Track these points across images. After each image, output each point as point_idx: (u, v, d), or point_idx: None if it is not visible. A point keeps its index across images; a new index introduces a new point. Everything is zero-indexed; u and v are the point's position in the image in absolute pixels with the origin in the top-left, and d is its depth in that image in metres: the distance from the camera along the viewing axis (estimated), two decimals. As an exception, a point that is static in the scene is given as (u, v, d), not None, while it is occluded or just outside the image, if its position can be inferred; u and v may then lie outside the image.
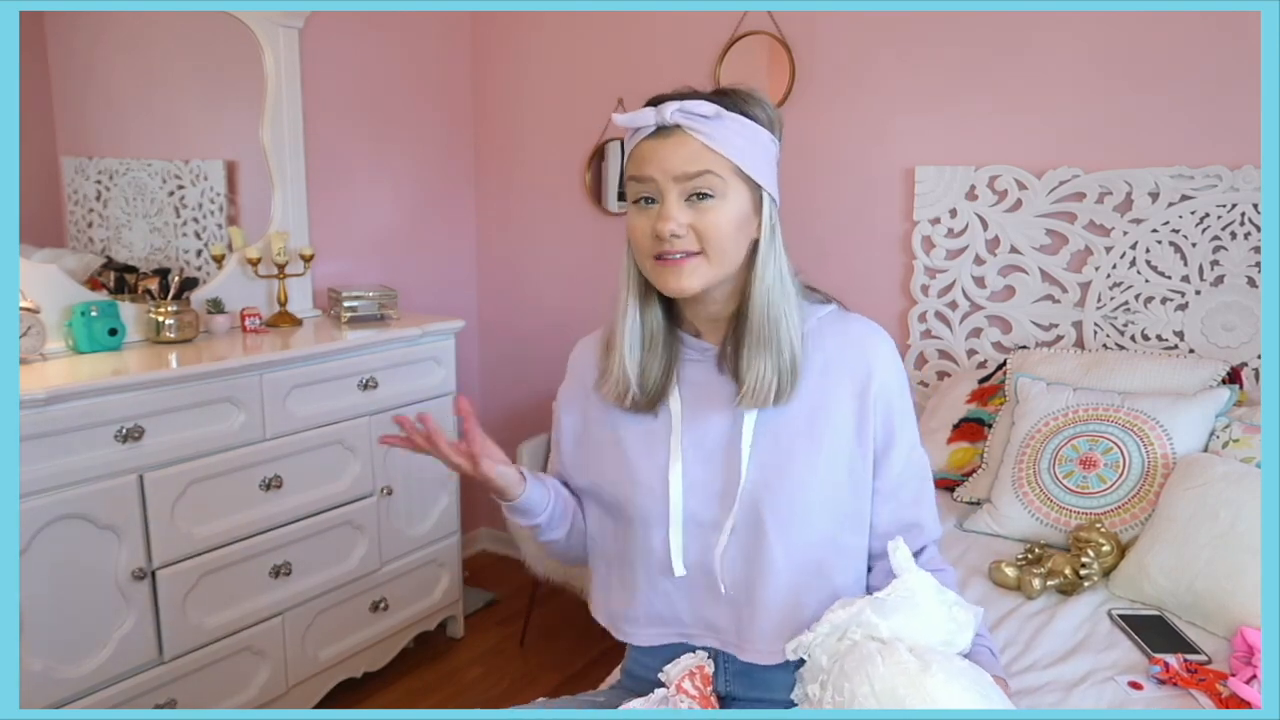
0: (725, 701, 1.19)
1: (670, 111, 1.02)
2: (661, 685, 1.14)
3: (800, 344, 1.10)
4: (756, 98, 1.08)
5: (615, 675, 1.34)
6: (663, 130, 1.04)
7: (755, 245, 1.09)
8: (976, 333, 2.37)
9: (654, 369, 1.14)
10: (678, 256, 1.04)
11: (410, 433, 1.08)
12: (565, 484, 1.25)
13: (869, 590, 1.15)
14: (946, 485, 2.08)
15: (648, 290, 1.13)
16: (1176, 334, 2.12)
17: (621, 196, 2.88)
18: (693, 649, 1.16)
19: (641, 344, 1.14)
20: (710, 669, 1.14)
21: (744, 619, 1.13)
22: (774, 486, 1.09)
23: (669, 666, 1.15)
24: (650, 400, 1.15)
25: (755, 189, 1.07)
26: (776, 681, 1.13)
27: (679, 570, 1.12)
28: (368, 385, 2.28)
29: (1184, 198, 2.08)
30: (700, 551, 1.13)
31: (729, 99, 1.06)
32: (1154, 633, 1.48)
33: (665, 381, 1.15)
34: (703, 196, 1.04)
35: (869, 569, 1.17)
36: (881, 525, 1.14)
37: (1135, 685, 1.34)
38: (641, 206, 1.07)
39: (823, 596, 1.11)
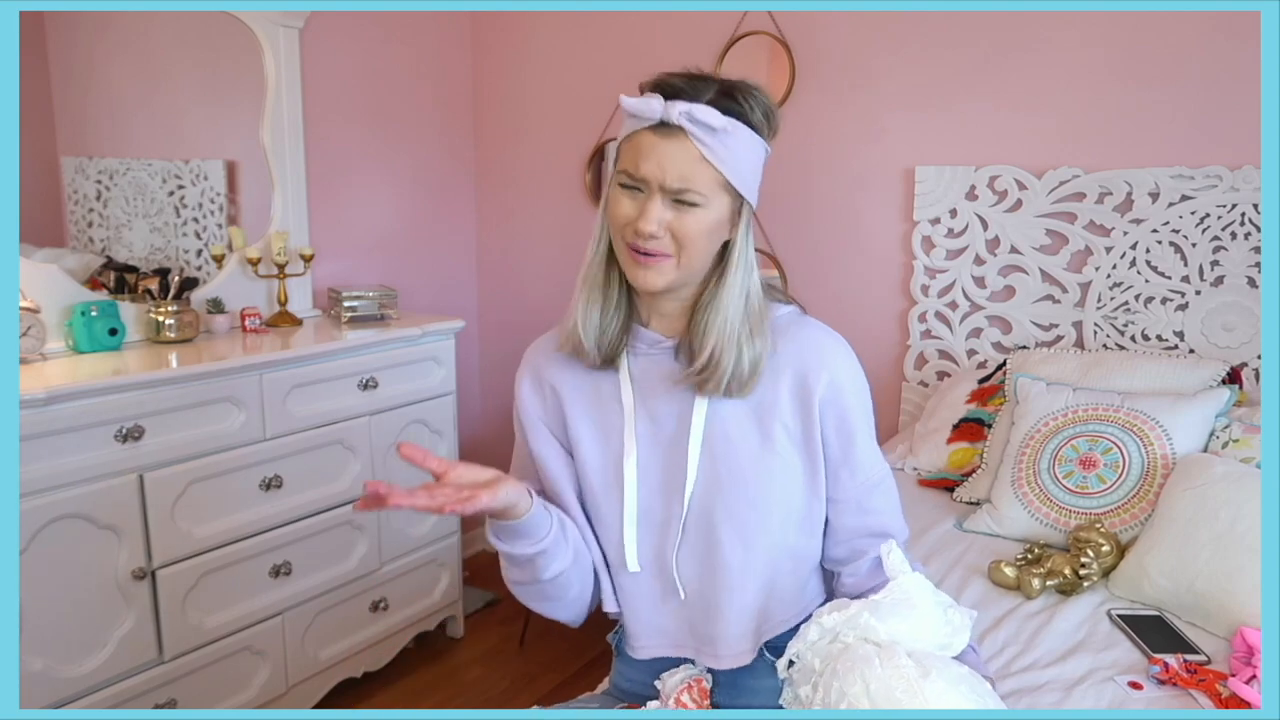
0: None
1: (678, 112, 1.00)
2: (652, 698, 1.13)
3: (766, 339, 1.10)
4: (759, 98, 1.06)
5: (606, 683, 1.34)
6: (665, 127, 1.02)
7: (726, 244, 1.09)
8: (976, 333, 2.37)
9: (611, 328, 1.13)
10: (651, 254, 1.05)
11: (376, 493, 0.98)
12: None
13: (834, 596, 1.15)
14: (946, 485, 2.08)
15: (613, 266, 1.13)
16: (1176, 334, 2.12)
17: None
18: (675, 661, 1.16)
19: (603, 294, 1.13)
20: (708, 683, 1.14)
21: (701, 622, 1.13)
22: (724, 481, 1.09)
23: (666, 675, 1.14)
24: (606, 356, 1.14)
25: (737, 197, 1.07)
26: (763, 688, 1.13)
27: (633, 566, 1.13)
28: (368, 385, 2.28)
29: (1184, 198, 2.08)
30: (655, 551, 1.13)
31: (735, 103, 1.03)
32: (1154, 633, 1.48)
33: (618, 344, 1.14)
34: (687, 203, 1.03)
35: (835, 575, 1.17)
36: (846, 534, 1.13)
37: (1135, 685, 1.34)
38: (628, 191, 1.06)
39: (782, 599, 1.12)
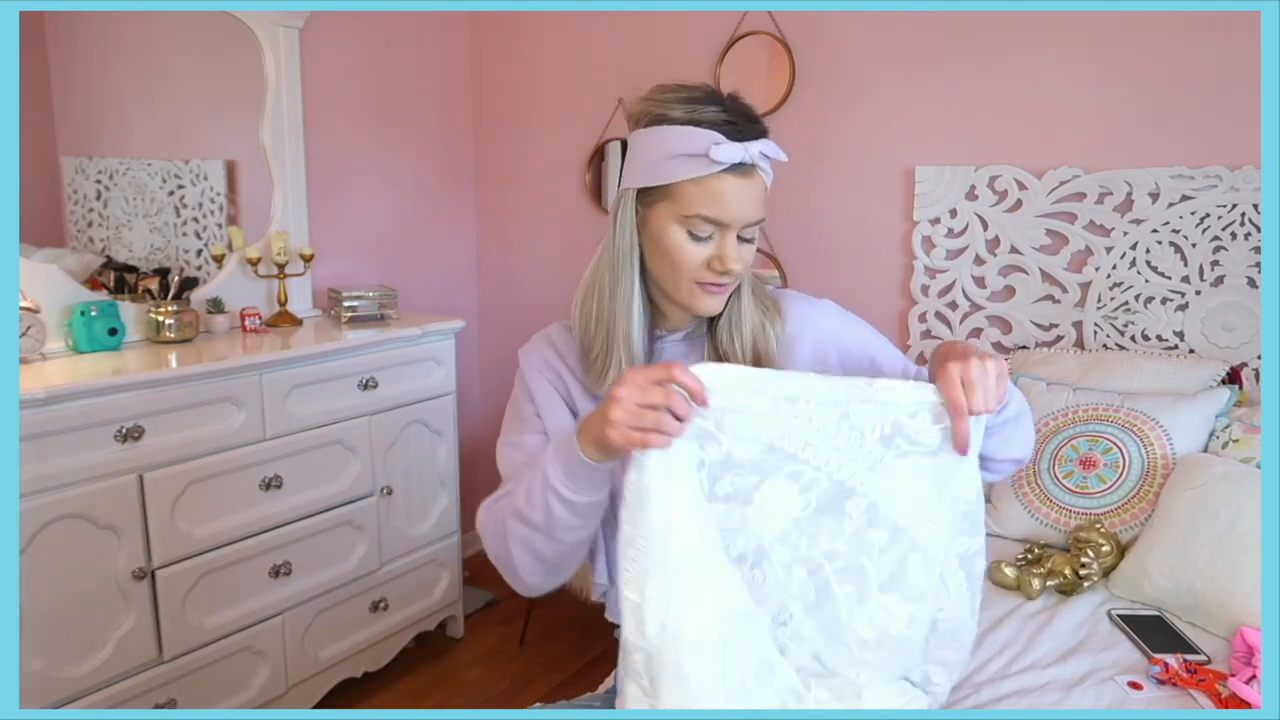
0: None
1: (758, 152, 1.03)
2: None
3: (776, 314, 1.16)
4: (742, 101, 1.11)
5: (610, 680, 1.34)
6: (742, 166, 1.04)
7: None
8: (976, 333, 2.37)
9: (642, 347, 1.16)
10: (724, 285, 1.09)
11: None
12: None
13: None
14: (946, 485, 2.08)
15: (637, 287, 1.15)
16: (1176, 334, 2.12)
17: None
18: None
19: (640, 321, 1.15)
20: None
21: None
22: None
23: None
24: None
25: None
26: None
27: None
28: (368, 385, 2.28)
29: (1184, 198, 2.07)
30: None
31: (762, 125, 1.07)
32: (1154, 633, 1.48)
33: (649, 360, 1.18)
34: (750, 238, 1.09)
35: None
36: None
37: (1135, 685, 1.34)
38: (695, 240, 1.06)
39: None
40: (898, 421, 0.96)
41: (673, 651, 0.90)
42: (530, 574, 1.09)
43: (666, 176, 1.05)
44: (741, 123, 1.04)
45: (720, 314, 1.14)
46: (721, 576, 0.94)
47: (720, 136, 1.02)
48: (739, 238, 1.06)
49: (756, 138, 1.04)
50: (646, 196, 1.08)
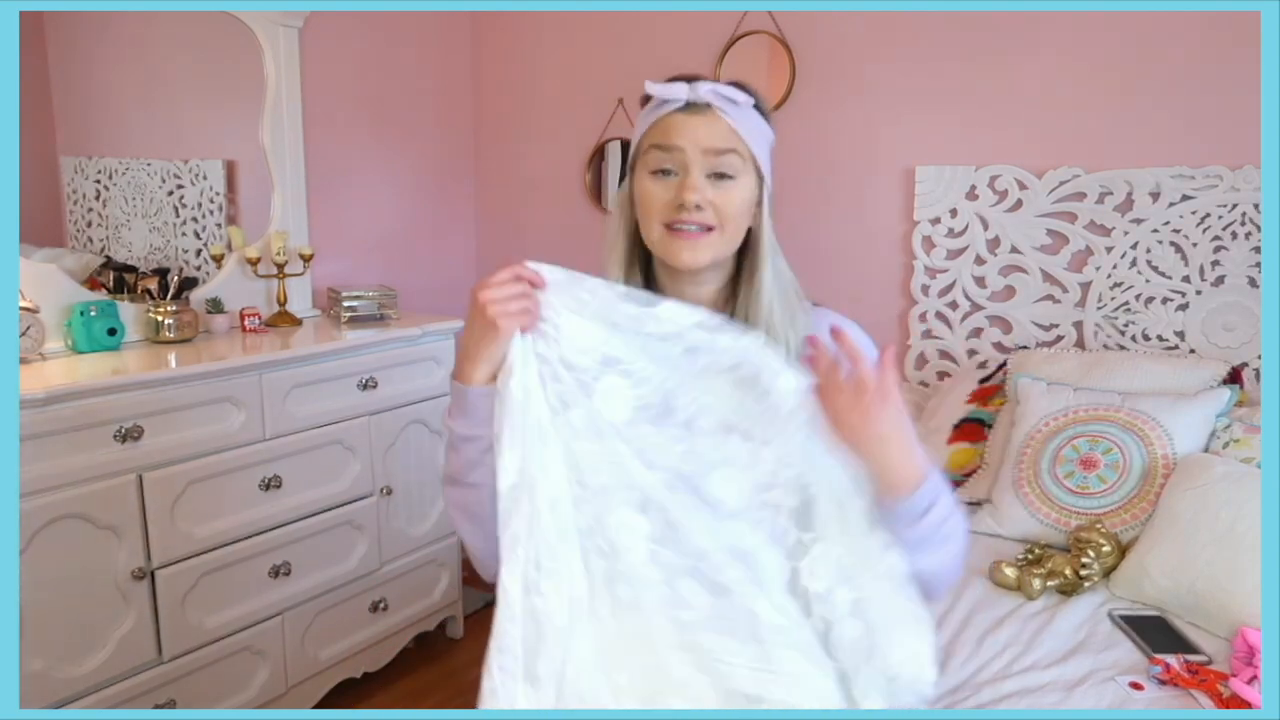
0: None
1: (705, 89, 1.05)
2: None
3: (799, 324, 1.12)
4: (759, 95, 1.11)
5: None
6: (693, 106, 1.06)
7: (749, 232, 1.12)
8: (977, 333, 2.37)
9: None
10: (693, 229, 1.06)
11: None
12: None
13: None
14: (947, 485, 2.08)
15: (632, 263, 1.15)
16: (1177, 334, 2.12)
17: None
18: None
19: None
20: None
21: None
22: None
23: None
24: None
25: (759, 180, 1.09)
26: None
27: None
28: (367, 385, 2.28)
29: (1184, 198, 2.07)
30: None
31: (744, 91, 1.08)
32: (1154, 633, 1.48)
33: None
34: (723, 176, 1.06)
35: None
36: None
37: (1136, 685, 1.34)
38: (658, 177, 1.08)
39: None
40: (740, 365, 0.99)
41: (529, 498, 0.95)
42: (472, 539, 1.10)
43: (635, 140, 1.10)
44: (697, 76, 1.08)
45: (735, 303, 1.12)
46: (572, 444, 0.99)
47: (679, 83, 1.07)
48: (714, 174, 1.06)
49: (711, 82, 1.06)
50: (631, 174, 1.12)
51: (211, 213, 2.41)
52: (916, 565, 0.98)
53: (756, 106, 1.09)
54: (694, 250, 1.07)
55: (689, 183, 1.05)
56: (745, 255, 1.12)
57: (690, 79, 1.07)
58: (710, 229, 1.06)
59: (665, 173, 1.07)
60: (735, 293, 1.13)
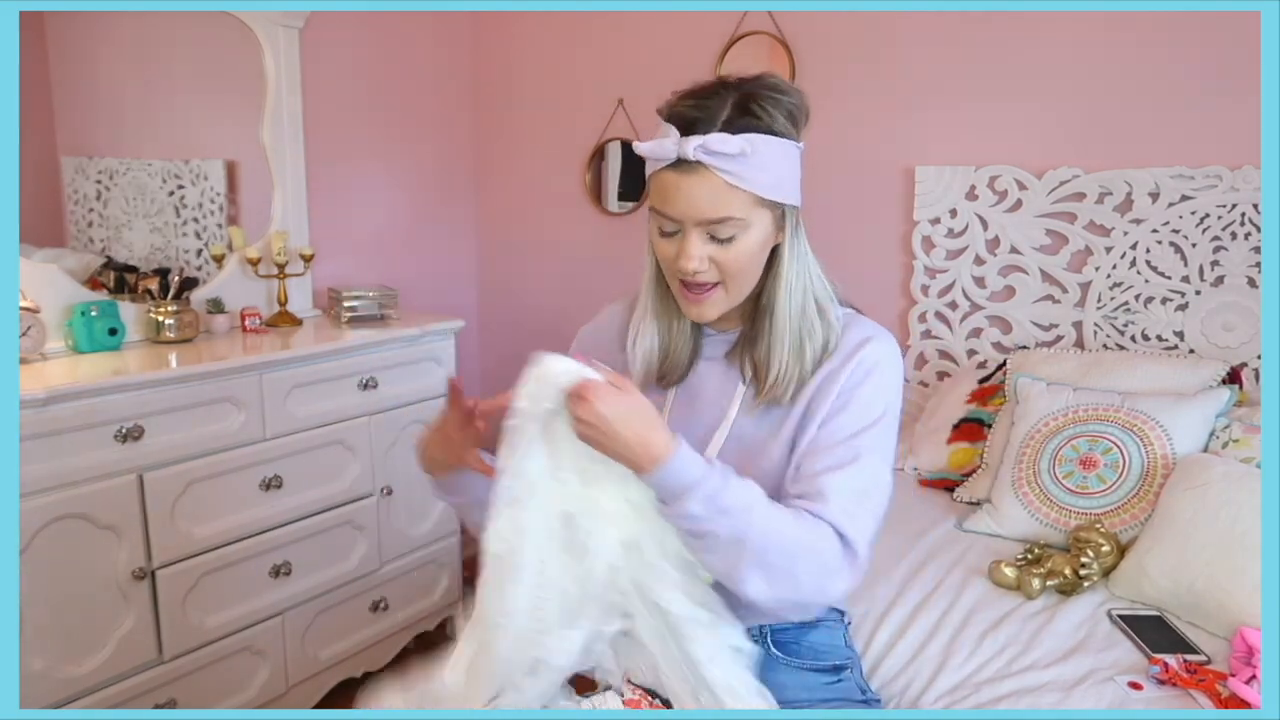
0: None
1: (692, 149, 0.99)
2: (654, 695, 1.14)
3: (829, 345, 1.10)
4: (780, 99, 1.03)
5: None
6: (685, 163, 1.01)
7: (776, 248, 1.10)
8: (976, 333, 2.37)
9: (680, 346, 1.16)
10: (699, 288, 1.07)
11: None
12: None
13: None
14: (946, 485, 2.08)
15: (663, 285, 1.16)
16: (1176, 334, 2.12)
17: (622, 197, 2.90)
18: None
19: (660, 323, 1.16)
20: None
21: None
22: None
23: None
24: (675, 375, 1.17)
25: (774, 211, 1.07)
26: (770, 683, 1.13)
27: None
28: (368, 385, 2.28)
29: (1184, 198, 2.07)
30: None
31: (753, 117, 1.01)
32: (1154, 633, 1.48)
33: (690, 361, 1.17)
34: (723, 237, 1.04)
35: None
36: (791, 475, 1.08)
37: (1135, 685, 1.34)
38: (664, 235, 1.07)
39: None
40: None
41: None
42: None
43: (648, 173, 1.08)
44: (695, 113, 1.01)
45: (751, 322, 1.13)
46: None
47: (673, 129, 1.01)
48: (713, 238, 1.03)
49: (706, 131, 0.99)
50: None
51: (212, 213, 2.41)
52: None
53: (772, 128, 1.02)
54: (700, 307, 1.08)
55: (685, 250, 1.04)
56: (766, 276, 1.11)
57: (685, 122, 1.01)
58: (715, 284, 1.07)
59: (669, 233, 1.06)
60: (756, 308, 1.13)
